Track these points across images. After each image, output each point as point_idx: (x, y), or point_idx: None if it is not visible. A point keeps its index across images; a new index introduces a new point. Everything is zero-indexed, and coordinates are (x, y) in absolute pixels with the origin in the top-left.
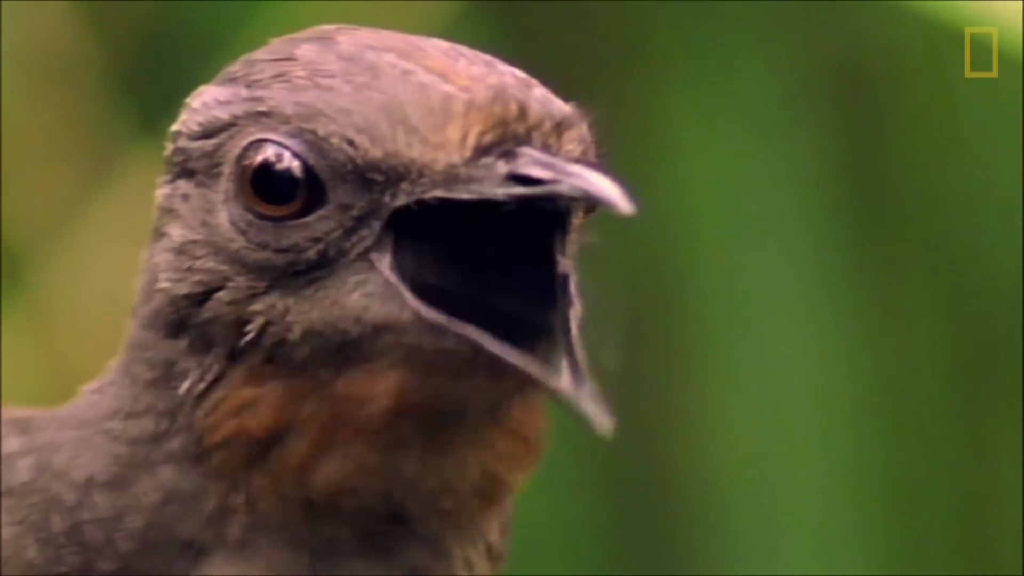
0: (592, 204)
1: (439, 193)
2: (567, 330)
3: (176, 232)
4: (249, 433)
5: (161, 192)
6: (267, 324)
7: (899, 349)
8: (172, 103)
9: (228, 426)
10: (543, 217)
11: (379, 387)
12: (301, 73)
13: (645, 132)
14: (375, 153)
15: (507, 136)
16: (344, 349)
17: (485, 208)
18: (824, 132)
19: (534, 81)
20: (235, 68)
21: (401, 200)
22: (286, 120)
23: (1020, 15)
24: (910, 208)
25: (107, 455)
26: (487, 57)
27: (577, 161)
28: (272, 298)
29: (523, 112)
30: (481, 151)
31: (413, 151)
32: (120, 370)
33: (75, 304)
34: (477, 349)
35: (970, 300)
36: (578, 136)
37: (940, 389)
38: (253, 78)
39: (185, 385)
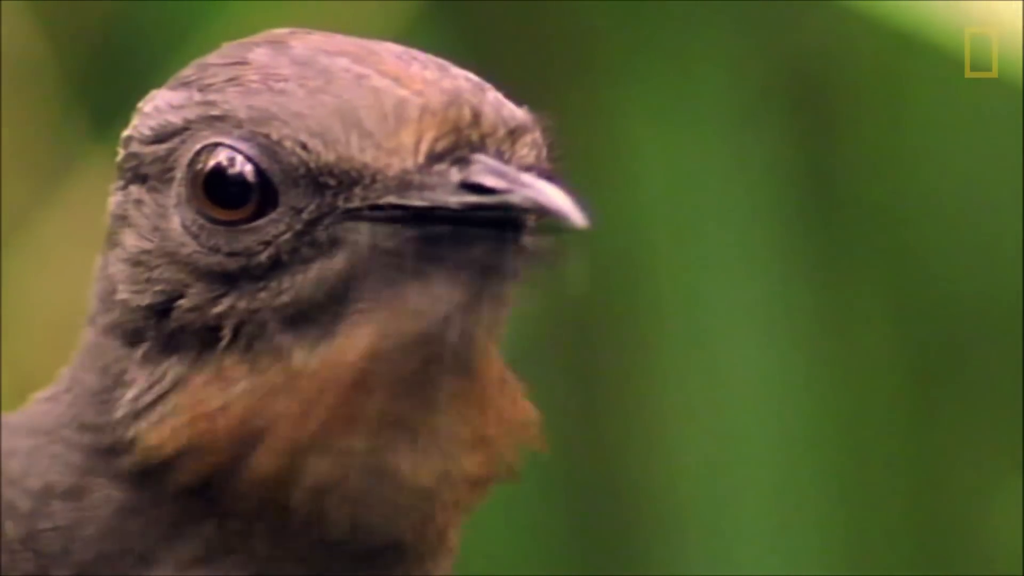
0: (543, 215)
1: (392, 199)
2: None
3: (130, 241)
4: (214, 438)
5: (114, 199)
6: (237, 323)
7: (854, 353)
8: (124, 108)
9: (189, 432)
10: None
11: (352, 350)
12: (254, 77)
13: (600, 137)
14: (328, 157)
15: (460, 142)
16: (316, 323)
17: (438, 213)
18: (780, 138)
19: (488, 86)
20: (188, 72)
21: (354, 203)
22: (239, 124)
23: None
24: (865, 213)
25: (64, 464)
26: (441, 61)
27: (530, 170)
28: (231, 300)
29: (477, 118)
30: (435, 157)
31: (366, 156)
32: (74, 378)
33: (28, 310)
34: (438, 223)
35: (925, 305)
36: (531, 142)
37: (895, 393)
38: (206, 82)
39: (127, 397)
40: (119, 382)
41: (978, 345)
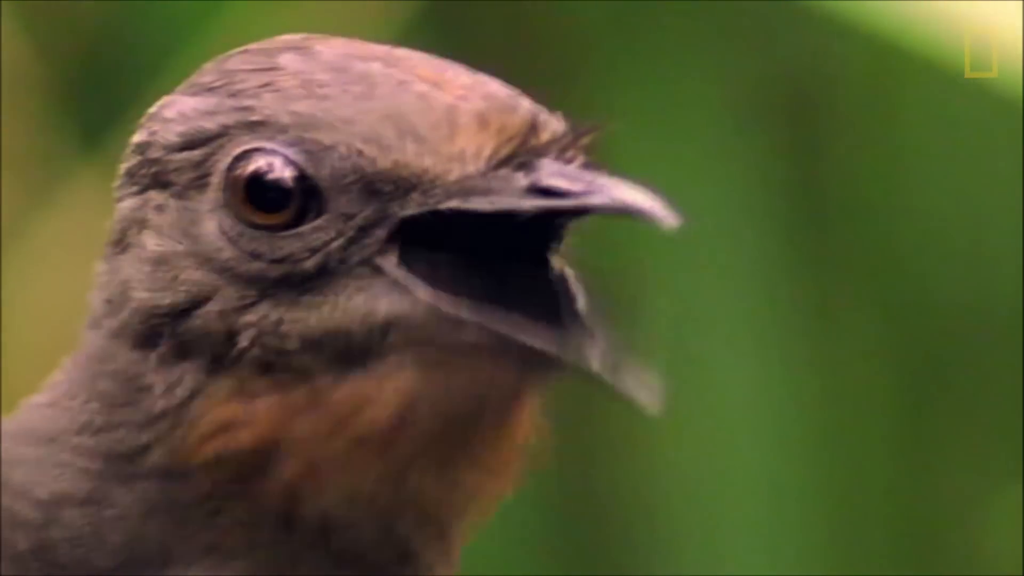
0: (630, 216)
1: (455, 204)
2: (580, 321)
3: (152, 243)
4: (237, 451)
5: (126, 204)
6: (260, 334)
7: (844, 362)
8: (114, 119)
9: (213, 443)
10: (542, 229)
11: (386, 391)
12: (292, 82)
13: (587, 148)
14: (384, 163)
15: (522, 148)
16: (347, 354)
17: (496, 220)
18: (768, 147)
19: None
20: (209, 78)
21: (411, 210)
22: (283, 129)
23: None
24: (854, 223)
25: (78, 471)
26: (462, 67)
27: (601, 172)
28: (264, 308)
29: (534, 124)
30: (497, 162)
31: (425, 161)
32: (79, 383)
33: (21, 320)
34: (501, 338)
35: (914, 314)
36: (586, 147)
37: (884, 402)
38: (237, 87)
39: (151, 399)
40: (136, 386)
41: (967, 354)
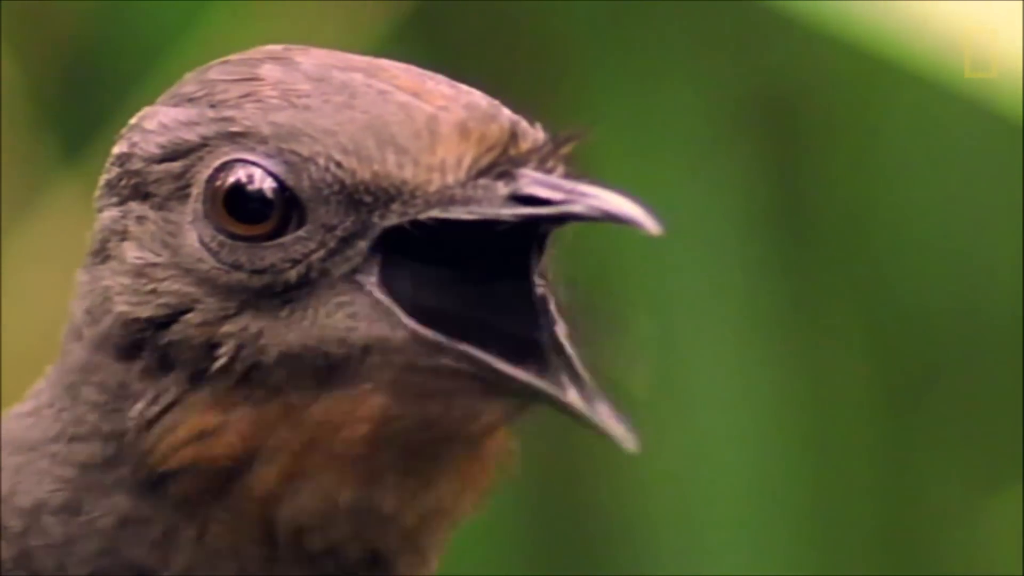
0: (613, 224)
1: (435, 214)
2: (559, 348)
3: (132, 254)
4: (210, 460)
5: (106, 215)
6: (239, 347)
7: (826, 372)
8: (96, 129)
9: (186, 452)
10: (524, 239)
11: (361, 411)
12: (272, 93)
13: (568, 157)
14: (364, 174)
15: (502, 157)
16: (324, 372)
17: (474, 229)
18: (750, 158)
19: (497, 102)
20: (189, 88)
21: (392, 220)
22: (263, 140)
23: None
24: (837, 234)
25: (55, 479)
26: (443, 77)
27: (582, 180)
28: (244, 320)
29: (515, 134)
30: (478, 172)
31: (405, 172)
32: (60, 392)
33: (1, 327)
34: (478, 368)
35: (897, 324)
36: (567, 156)
37: (867, 412)
38: (218, 98)
39: (136, 409)
40: (120, 395)
41: (950, 360)
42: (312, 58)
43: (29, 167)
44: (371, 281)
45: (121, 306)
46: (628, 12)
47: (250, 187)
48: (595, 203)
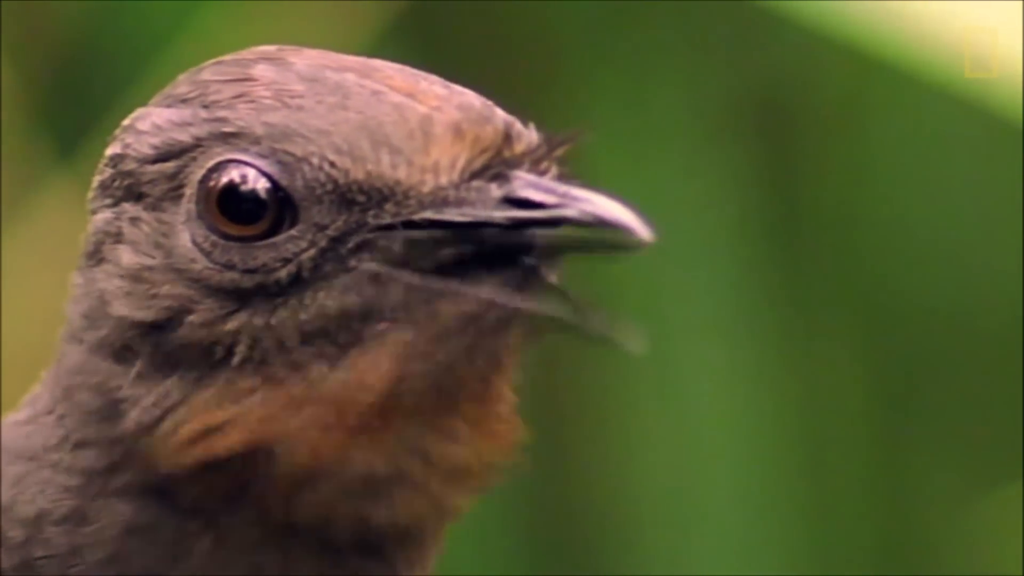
0: (605, 229)
1: (428, 215)
2: (553, 284)
3: (127, 257)
4: (226, 455)
5: (100, 217)
6: (245, 341)
7: (819, 371)
8: (88, 129)
9: (197, 450)
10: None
11: (377, 372)
12: (265, 93)
13: (562, 159)
14: (357, 174)
15: (496, 159)
16: (332, 345)
17: (469, 231)
18: (742, 158)
19: (491, 103)
20: (183, 89)
21: (385, 220)
22: (256, 140)
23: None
24: (829, 233)
25: (58, 488)
26: (437, 78)
27: (576, 183)
28: (244, 316)
29: (509, 136)
30: (471, 174)
31: (398, 172)
32: (59, 396)
33: None
34: (479, 304)
35: (889, 324)
36: (561, 159)
37: (859, 411)
38: (211, 99)
39: (135, 412)
40: (115, 399)
41: (945, 362)
42: (305, 58)
43: (23, 168)
44: (364, 258)
45: (119, 309)
46: (621, 13)
47: (243, 187)
48: (588, 208)
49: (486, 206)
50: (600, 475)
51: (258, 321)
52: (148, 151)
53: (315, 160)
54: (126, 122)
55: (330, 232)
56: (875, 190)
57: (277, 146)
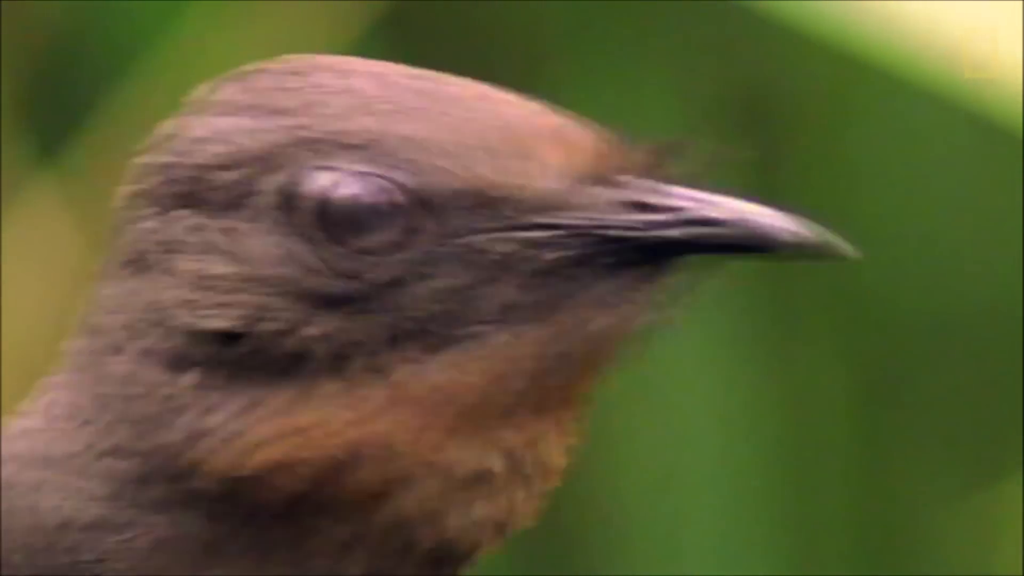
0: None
1: (546, 218)
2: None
3: (188, 267)
4: (308, 457)
5: (145, 225)
6: (335, 344)
7: (801, 374)
8: (71, 129)
9: (271, 454)
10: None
11: (481, 368)
12: (349, 101)
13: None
14: (467, 179)
15: (610, 166)
16: (426, 344)
17: (589, 233)
18: (726, 162)
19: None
20: (236, 97)
21: (497, 224)
22: (351, 148)
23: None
24: None
25: (85, 496)
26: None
27: (699, 189)
28: (335, 320)
29: (615, 143)
30: (587, 179)
31: (508, 177)
32: (86, 405)
33: None
34: (595, 308)
35: (871, 323)
36: (667, 169)
37: (842, 413)
38: (281, 105)
39: (187, 420)
40: (167, 408)
41: (925, 363)
42: (363, 66)
43: (5, 166)
44: (472, 261)
45: (181, 319)
46: (604, 11)
47: (341, 195)
48: (734, 212)
49: (604, 210)
50: (583, 474)
51: (348, 325)
52: (213, 159)
53: (420, 166)
54: (169, 131)
55: (437, 236)
56: (859, 191)
57: (377, 154)
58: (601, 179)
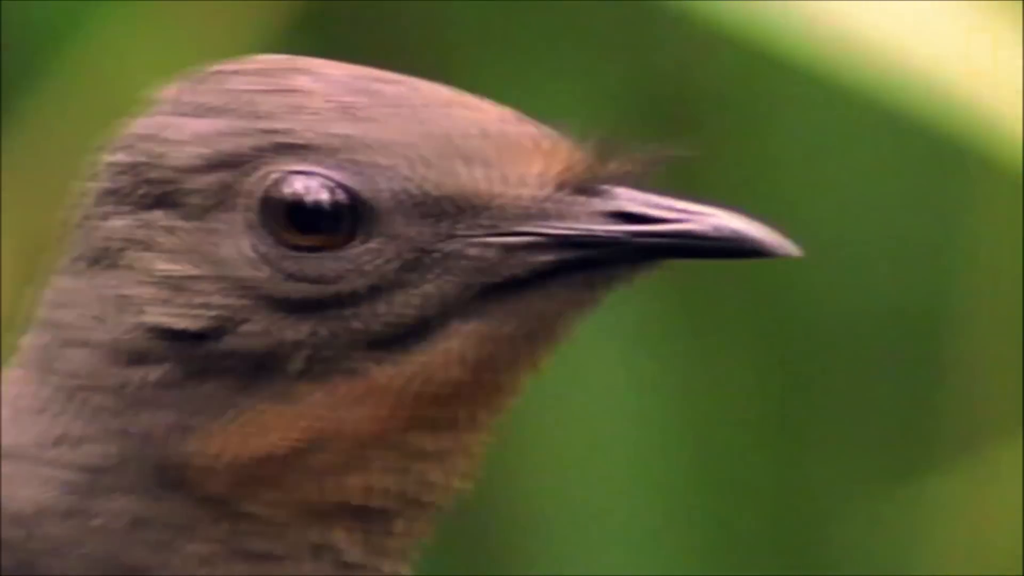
0: (737, 248)
1: (528, 227)
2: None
3: (162, 265)
4: (269, 453)
5: (114, 224)
6: (309, 348)
7: (715, 374)
8: None
9: (244, 448)
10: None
11: (451, 360)
12: (324, 104)
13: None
14: (447, 186)
15: (587, 174)
16: (399, 344)
17: (569, 242)
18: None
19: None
20: (212, 100)
21: (477, 231)
22: (327, 152)
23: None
24: None
25: (59, 484)
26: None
27: (679, 199)
28: (310, 324)
29: (598, 152)
30: (565, 187)
31: (490, 185)
32: (53, 397)
33: None
34: (560, 304)
35: (787, 321)
36: (651, 178)
37: (756, 413)
38: (259, 109)
39: (159, 415)
40: (135, 400)
41: (839, 363)
42: (335, 69)
43: None
44: (452, 268)
45: (153, 317)
46: (518, 11)
47: (315, 199)
48: (714, 222)
49: (587, 220)
50: (498, 479)
51: (323, 330)
52: (189, 161)
53: (400, 172)
54: (138, 131)
55: (415, 243)
56: (775, 186)
57: (356, 158)
58: (580, 187)
